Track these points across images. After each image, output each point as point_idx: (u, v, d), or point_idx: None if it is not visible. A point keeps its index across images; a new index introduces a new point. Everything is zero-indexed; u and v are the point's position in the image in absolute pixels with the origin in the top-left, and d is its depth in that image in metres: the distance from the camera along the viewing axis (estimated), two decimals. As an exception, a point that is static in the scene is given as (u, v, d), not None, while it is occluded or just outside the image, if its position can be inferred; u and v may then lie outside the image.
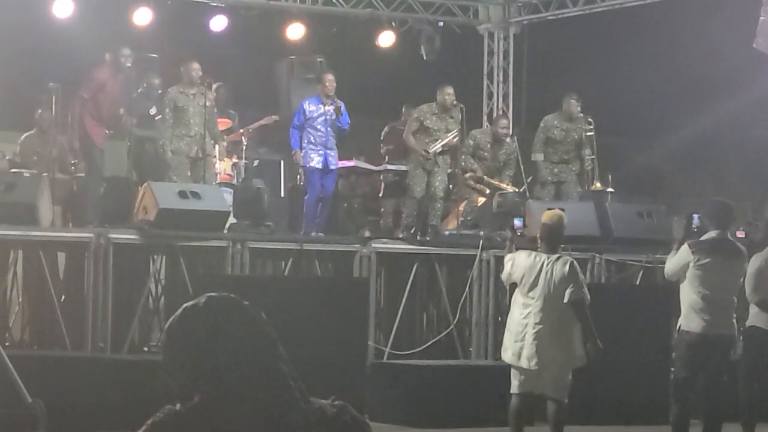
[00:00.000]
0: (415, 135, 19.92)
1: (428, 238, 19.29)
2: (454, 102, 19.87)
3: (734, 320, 14.86)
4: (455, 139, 19.88)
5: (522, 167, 20.50)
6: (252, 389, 3.19)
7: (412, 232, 19.42)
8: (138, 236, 16.73)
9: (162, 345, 3.37)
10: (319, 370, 14.75)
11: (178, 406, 3.21)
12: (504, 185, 20.21)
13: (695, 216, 15.45)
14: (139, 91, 18.74)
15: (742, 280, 15.14)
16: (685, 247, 14.51)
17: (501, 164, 20.70)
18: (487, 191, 20.26)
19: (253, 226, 18.50)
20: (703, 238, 14.50)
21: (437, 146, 19.67)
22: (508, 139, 20.94)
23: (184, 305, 3.29)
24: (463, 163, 20.17)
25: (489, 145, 20.59)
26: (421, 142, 19.65)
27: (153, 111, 18.41)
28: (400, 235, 18.88)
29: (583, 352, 13.71)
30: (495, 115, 22.50)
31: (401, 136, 20.14)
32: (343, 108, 18.82)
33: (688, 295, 14.39)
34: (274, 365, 3.26)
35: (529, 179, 20.47)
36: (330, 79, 19.08)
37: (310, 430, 3.22)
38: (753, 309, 15.81)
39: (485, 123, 22.44)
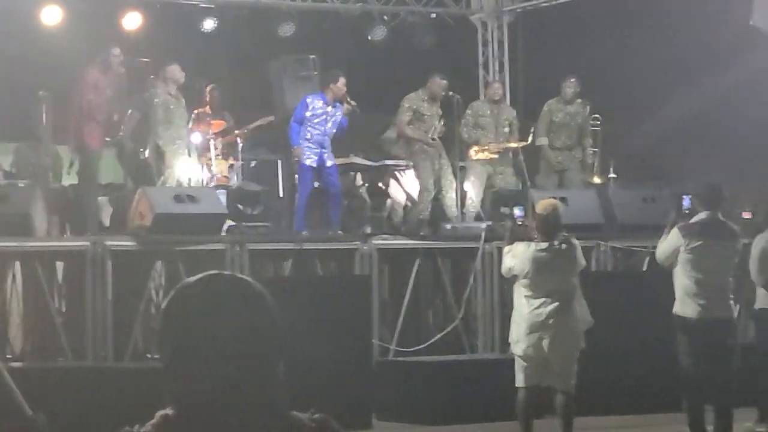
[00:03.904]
0: (410, 124, 20.09)
1: (424, 233, 19.40)
2: (450, 93, 20.06)
3: (731, 303, 14.94)
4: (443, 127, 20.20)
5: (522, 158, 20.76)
6: (232, 394, 2.97)
7: (426, 226, 19.67)
8: (135, 243, 16.75)
9: (156, 330, 3.20)
10: (325, 370, 14.86)
11: (140, 427, 3.00)
12: (511, 144, 20.57)
13: (686, 198, 15.46)
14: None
15: (737, 260, 15.12)
16: (675, 230, 14.61)
17: (505, 128, 20.88)
18: (497, 156, 20.50)
19: (251, 228, 18.49)
20: (693, 220, 14.56)
21: (435, 132, 19.81)
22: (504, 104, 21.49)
23: (183, 281, 3.11)
24: (466, 135, 20.42)
25: (488, 111, 20.82)
26: (419, 131, 19.80)
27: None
28: (402, 230, 19.01)
29: (583, 335, 13.93)
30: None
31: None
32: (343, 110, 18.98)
33: (681, 279, 14.50)
34: (270, 360, 3.02)
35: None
36: (343, 82, 19.13)
37: None
38: (760, 291, 15.93)
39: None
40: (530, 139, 20.73)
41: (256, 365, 2.97)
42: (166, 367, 3.00)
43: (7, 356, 15.26)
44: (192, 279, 3.06)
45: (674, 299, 14.31)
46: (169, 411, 3.02)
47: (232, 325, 2.95)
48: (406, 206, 20.39)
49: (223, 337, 2.96)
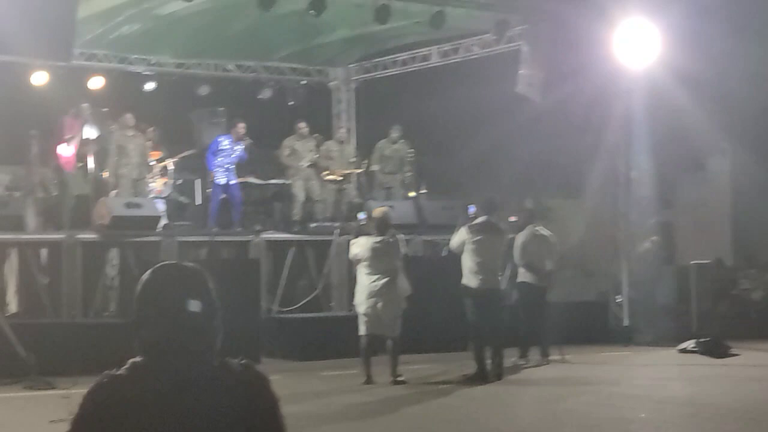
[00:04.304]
0: (289, 156, 19.99)
1: (296, 229, 19.43)
2: (309, 133, 20.31)
3: (499, 278, 15.42)
4: (316, 156, 20.11)
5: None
6: (189, 341, 3.01)
7: (298, 225, 19.62)
8: (97, 236, 16.73)
9: (136, 296, 3.10)
10: (228, 324, 14.94)
11: (117, 370, 3.01)
12: (349, 171, 20.47)
13: (471, 207, 15.75)
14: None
15: (504, 250, 15.59)
16: (463, 228, 14.93)
17: (350, 160, 20.72)
18: (341, 178, 20.33)
19: (178, 226, 18.43)
20: (476, 222, 14.91)
21: (304, 162, 19.91)
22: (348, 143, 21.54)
23: (158, 264, 3.21)
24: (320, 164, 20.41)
25: (336, 148, 20.71)
26: (293, 160, 19.83)
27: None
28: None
29: (404, 299, 14.19)
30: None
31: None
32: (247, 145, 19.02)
33: (467, 262, 14.76)
34: (210, 323, 3.10)
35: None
36: (242, 126, 19.15)
37: (219, 381, 3.01)
38: (521, 270, 16.37)
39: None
40: (368, 167, 20.72)
41: (203, 320, 3.03)
42: (139, 321, 3.03)
43: (6, 315, 14.99)
44: (159, 264, 3.19)
45: (462, 275, 14.78)
46: (138, 358, 3.02)
47: (187, 294, 3.03)
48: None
49: (181, 301, 3.02)
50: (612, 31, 18.85)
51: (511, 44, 19.50)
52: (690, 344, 17.39)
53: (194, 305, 3.03)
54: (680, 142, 20.20)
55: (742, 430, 10.77)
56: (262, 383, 3.10)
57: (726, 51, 20.13)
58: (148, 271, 3.15)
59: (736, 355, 16.88)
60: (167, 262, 3.28)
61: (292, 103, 22.88)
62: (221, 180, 18.73)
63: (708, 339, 17.36)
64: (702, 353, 17.01)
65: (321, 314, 18.01)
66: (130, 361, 3.00)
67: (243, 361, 3.08)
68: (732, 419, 11.19)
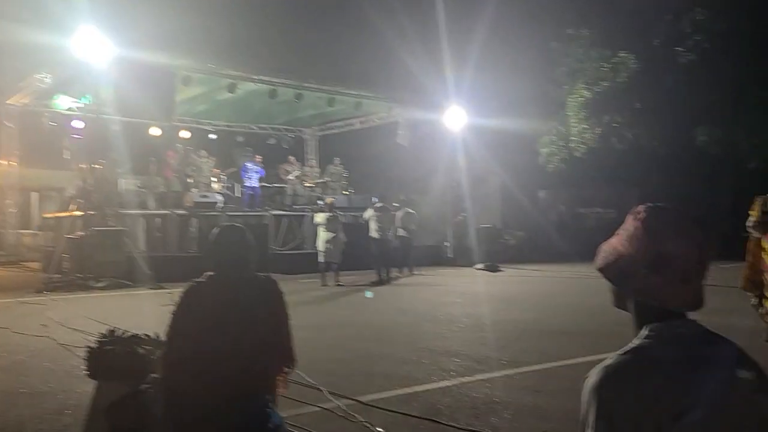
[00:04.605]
0: (284, 173, 19.63)
1: (288, 209, 18.82)
2: (295, 161, 20.10)
3: (388, 233, 14.96)
4: (298, 173, 19.74)
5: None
6: (239, 270, 2.87)
7: (288, 207, 19.07)
8: (186, 212, 16.11)
9: (211, 239, 2.96)
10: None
11: (199, 278, 2.87)
12: (315, 182, 19.87)
13: (374, 198, 15.64)
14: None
15: (391, 219, 15.28)
16: (370, 208, 14.73)
17: (314, 176, 20.06)
18: (312, 185, 19.63)
19: (228, 207, 17.52)
20: (376, 205, 14.66)
21: (292, 176, 19.53)
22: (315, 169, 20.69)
23: (224, 223, 3.06)
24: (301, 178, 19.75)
25: (309, 170, 20.22)
26: (286, 175, 19.50)
27: None
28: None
29: (343, 243, 14.01)
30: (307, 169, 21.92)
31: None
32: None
33: (372, 225, 14.54)
34: (248, 253, 2.95)
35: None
36: (259, 158, 18.82)
37: (254, 282, 2.89)
38: (399, 229, 16.12)
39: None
40: (324, 179, 20.24)
41: (245, 252, 2.92)
42: (211, 252, 2.88)
43: (139, 251, 14.20)
44: (222, 224, 3.07)
45: (370, 231, 14.64)
46: (210, 272, 2.84)
47: (236, 238, 2.93)
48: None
49: (234, 241, 2.91)
50: (443, 112, 19.53)
51: (395, 118, 19.71)
52: (480, 265, 17.67)
53: (242, 244, 2.93)
54: (476, 166, 20.28)
55: (502, 305, 10.40)
56: (275, 284, 2.96)
57: (498, 121, 20.60)
58: (216, 227, 3.05)
59: (502, 271, 17.17)
60: (229, 223, 3.14)
61: (286, 146, 22.42)
62: (248, 184, 18.66)
63: (489, 263, 17.63)
64: (486, 270, 17.31)
65: (300, 251, 17.65)
66: (205, 273, 2.88)
67: (265, 274, 2.97)
68: (497, 300, 11.01)
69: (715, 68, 20.46)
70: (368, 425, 4.29)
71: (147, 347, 3.50)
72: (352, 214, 18.11)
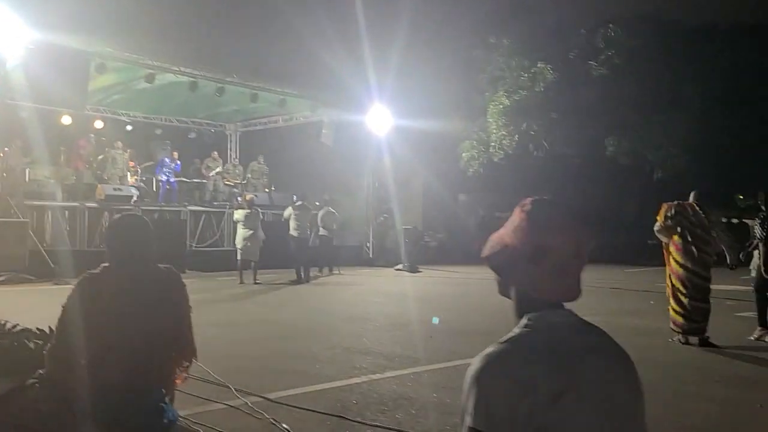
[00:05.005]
0: (205, 169, 19.14)
1: (207, 205, 18.84)
2: (218, 157, 19.59)
3: (308, 232, 14.93)
4: (220, 170, 19.43)
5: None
6: (136, 261, 2.78)
7: (208, 203, 18.71)
8: (97, 205, 15.65)
9: (107, 229, 2.90)
10: (168, 252, 14.52)
11: (94, 270, 2.76)
12: (236, 181, 19.45)
13: (295, 196, 15.29)
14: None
15: (310, 218, 15.05)
16: (290, 206, 14.64)
17: (236, 174, 19.68)
18: (232, 183, 19.34)
19: (142, 201, 17.33)
20: (296, 204, 14.51)
21: (214, 172, 19.17)
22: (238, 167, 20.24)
23: (122, 213, 3.02)
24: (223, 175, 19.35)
25: (231, 168, 19.79)
26: (208, 170, 19.09)
27: None
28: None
29: (261, 241, 13.84)
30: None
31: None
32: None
33: (291, 223, 14.36)
34: (148, 247, 2.85)
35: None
36: (176, 153, 18.44)
37: (155, 274, 2.81)
38: (321, 228, 16.23)
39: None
40: (245, 176, 19.87)
41: (150, 244, 2.86)
42: (109, 242, 2.82)
43: (42, 244, 13.74)
44: (121, 213, 3.11)
45: (289, 229, 14.41)
46: (106, 264, 2.75)
47: (135, 229, 2.84)
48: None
49: (132, 232, 2.83)
50: (367, 114, 19.61)
51: (319, 117, 19.45)
52: (400, 266, 17.89)
53: (141, 235, 2.85)
54: (400, 167, 20.38)
55: (418, 305, 10.60)
56: (176, 276, 2.90)
57: (422, 124, 20.88)
58: (115, 216, 3.06)
59: (422, 272, 17.40)
60: (126, 213, 3.04)
61: (207, 141, 21.92)
62: (165, 178, 18.12)
63: (409, 264, 17.83)
64: (406, 270, 17.53)
65: (219, 248, 17.44)
66: (102, 264, 2.79)
67: (167, 266, 2.88)
68: (414, 300, 11.16)
69: (625, 83, 21.55)
70: (274, 422, 4.25)
71: (38, 341, 3.35)
72: (274, 212, 17.90)
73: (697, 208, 7.43)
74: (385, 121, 19.58)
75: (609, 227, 23.20)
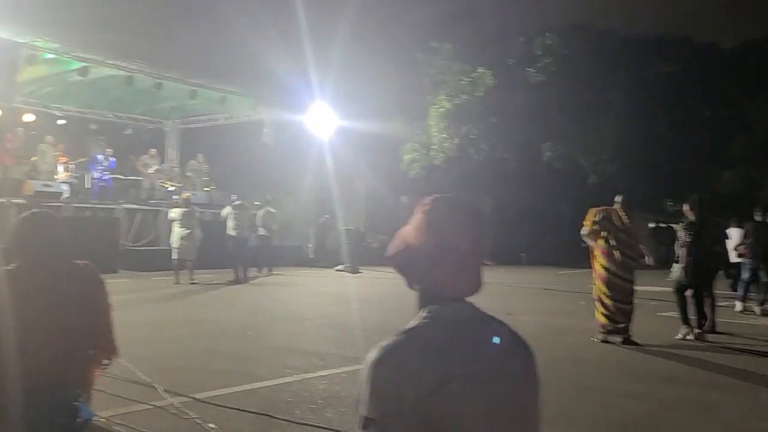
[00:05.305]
0: (142, 166, 18.83)
1: (143, 203, 18.50)
2: (156, 155, 19.23)
3: (247, 232, 14.72)
4: (157, 168, 19.15)
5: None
6: (50, 257, 2.74)
7: (144, 201, 18.34)
8: (25, 201, 14.56)
9: (15, 229, 2.79)
10: (98, 251, 14.00)
11: (9, 266, 2.70)
12: (174, 183, 18.95)
13: (233, 196, 15.29)
14: None
15: (250, 217, 15.02)
16: (228, 206, 14.51)
17: (175, 175, 19.45)
18: (168, 183, 18.99)
19: (74, 198, 16.89)
20: (235, 203, 14.52)
21: (152, 170, 18.85)
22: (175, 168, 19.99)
23: (30, 211, 2.83)
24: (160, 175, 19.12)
25: (168, 168, 19.53)
26: (145, 168, 18.81)
27: None
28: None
29: (198, 240, 13.69)
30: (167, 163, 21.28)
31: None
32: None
33: (229, 223, 14.27)
34: (61, 244, 2.80)
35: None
36: (110, 149, 17.79)
37: (74, 270, 2.76)
38: (260, 228, 16.37)
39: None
40: (184, 175, 19.59)
41: (62, 240, 2.79)
42: (19, 241, 2.74)
43: None
44: (30, 211, 2.85)
45: (227, 229, 14.39)
46: (18, 262, 2.71)
47: (44, 228, 2.77)
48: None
49: (47, 233, 2.77)
50: (309, 114, 19.51)
51: (260, 116, 19.41)
52: (341, 267, 17.95)
53: (51, 231, 2.80)
54: (342, 168, 20.33)
55: (356, 305, 10.40)
56: (94, 271, 2.84)
57: (365, 126, 20.94)
58: (24, 213, 2.86)
59: (362, 272, 17.34)
60: (35, 210, 2.89)
61: (145, 138, 21.41)
62: (98, 175, 17.58)
63: (350, 264, 17.83)
64: (346, 271, 17.57)
65: (154, 247, 17.07)
66: (13, 264, 2.72)
67: (85, 262, 2.82)
68: (352, 301, 10.99)
69: (561, 90, 22.22)
70: (200, 422, 4.19)
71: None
72: (213, 211, 17.67)
73: (623, 213, 7.68)
74: (328, 122, 19.58)
75: (545, 230, 23.91)
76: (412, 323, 1.36)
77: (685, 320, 8.03)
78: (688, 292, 8.05)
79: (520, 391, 1.34)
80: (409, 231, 1.42)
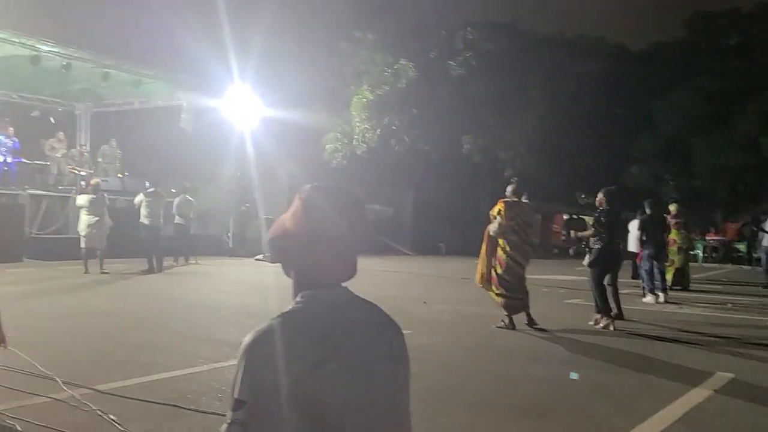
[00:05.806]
0: (50, 150, 18.03)
1: (51, 189, 17.72)
2: (64, 138, 18.34)
3: (161, 220, 14.27)
4: (65, 152, 18.33)
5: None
6: None
7: (52, 187, 17.69)
8: None
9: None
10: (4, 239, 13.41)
11: None
12: (83, 170, 18.09)
13: (147, 182, 14.80)
14: None
15: (163, 205, 14.49)
16: (142, 193, 14.18)
17: (84, 160, 18.63)
18: (78, 168, 18.13)
19: None
20: (149, 190, 14.20)
21: (59, 154, 18.04)
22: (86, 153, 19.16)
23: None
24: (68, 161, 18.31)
25: (77, 153, 18.68)
26: (54, 152, 17.93)
27: None
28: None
29: (108, 228, 13.39)
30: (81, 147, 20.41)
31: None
32: None
33: (143, 210, 13.97)
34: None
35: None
36: (12, 129, 16.75)
37: None
38: (176, 216, 15.94)
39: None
40: (95, 161, 18.90)
41: None
42: None
43: None
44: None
45: (140, 217, 13.99)
46: None
47: None
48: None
49: None
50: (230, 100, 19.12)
51: (178, 101, 18.96)
52: (260, 256, 17.79)
53: None
54: (264, 157, 19.96)
55: (273, 294, 9.89)
56: None
57: (287, 114, 20.72)
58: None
59: None
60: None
61: (53, 120, 20.11)
62: (1, 159, 16.64)
63: (267, 254, 17.83)
64: (266, 261, 16.95)
65: (62, 236, 16.44)
66: None
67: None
68: (269, 290, 10.38)
69: (481, 84, 22.77)
70: (100, 414, 4.08)
71: None
72: (126, 198, 17.15)
73: (525, 205, 8.12)
74: (250, 110, 19.27)
75: (464, 221, 24.49)
76: (288, 307, 1.40)
77: (606, 310, 8.18)
78: (606, 280, 8.24)
79: (391, 370, 1.40)
80: (287, 218, 1.44)
